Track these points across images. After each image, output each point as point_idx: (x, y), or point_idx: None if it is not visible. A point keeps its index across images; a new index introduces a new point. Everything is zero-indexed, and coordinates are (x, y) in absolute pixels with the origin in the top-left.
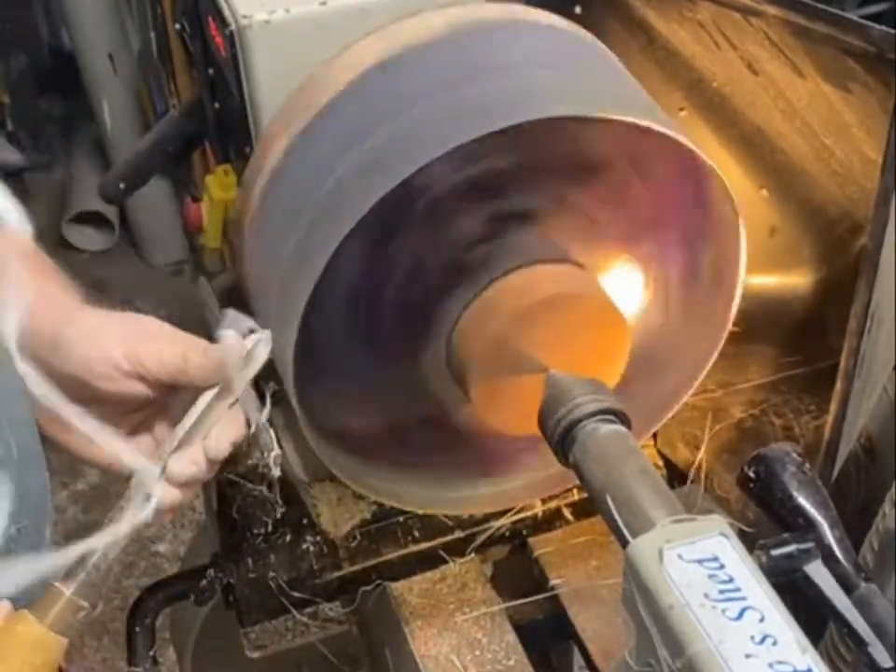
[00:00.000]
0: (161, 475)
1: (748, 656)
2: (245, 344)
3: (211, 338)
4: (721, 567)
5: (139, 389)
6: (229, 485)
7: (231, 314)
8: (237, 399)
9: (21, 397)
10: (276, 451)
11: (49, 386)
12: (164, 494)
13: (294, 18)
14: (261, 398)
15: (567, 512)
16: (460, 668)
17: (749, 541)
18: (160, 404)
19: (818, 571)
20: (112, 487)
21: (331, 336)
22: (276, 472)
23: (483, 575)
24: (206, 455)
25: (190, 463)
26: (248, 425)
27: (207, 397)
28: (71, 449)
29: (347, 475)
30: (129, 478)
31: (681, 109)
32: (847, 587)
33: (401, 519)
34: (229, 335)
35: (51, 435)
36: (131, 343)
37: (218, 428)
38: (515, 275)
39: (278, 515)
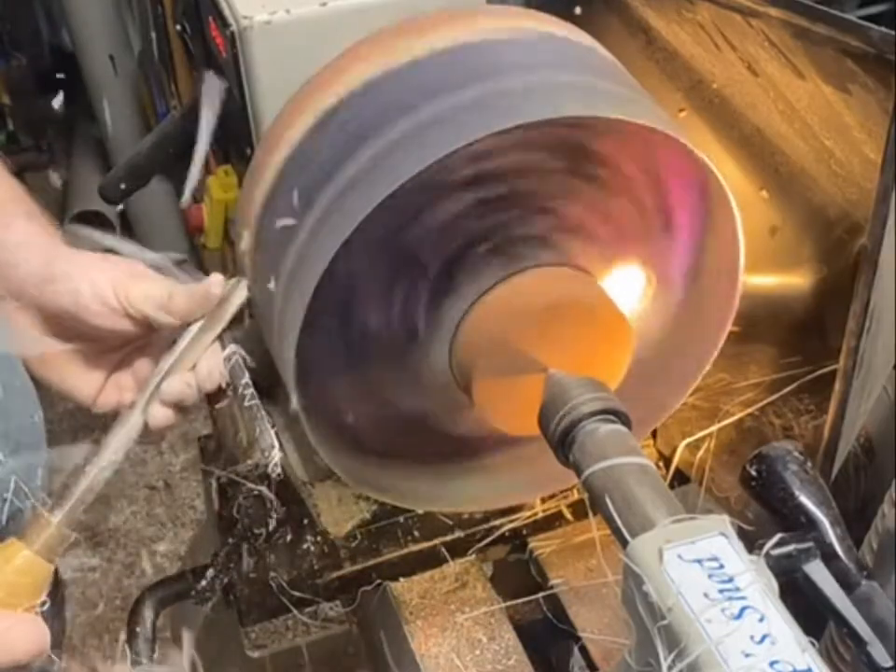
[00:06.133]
0: (154, 396)
1: (747, 655)
2: (225, 284)
3: None
4: (721, 566)
5: (125, 326)
6: (229, 485)
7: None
8: (219, 335)
9: (3, 333)
10: (277, 451)
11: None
12: (157, 413)
13: (295, 19)
14: (259, 393)
15: (567, 512)
16: (460, 668)
17: (749, 540)
18: (141, 343)
19: (817, 571)
20: (112, 487)
21: (333, 336)
22: (277, 472)
23: (483, 575)
24: (199, 383)
25: (184, 384)
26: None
27: (192, 330)
28: (53, 384)
29: (349, 475)
30: (112, 413)
31: (681, 110)
32: (849, 585)
33: (401, 519)
34: (211, 275)
35: (37, 373)
36: (120, 280)
37: (207, 361)
38: (518, 278)
39: (278, 515)
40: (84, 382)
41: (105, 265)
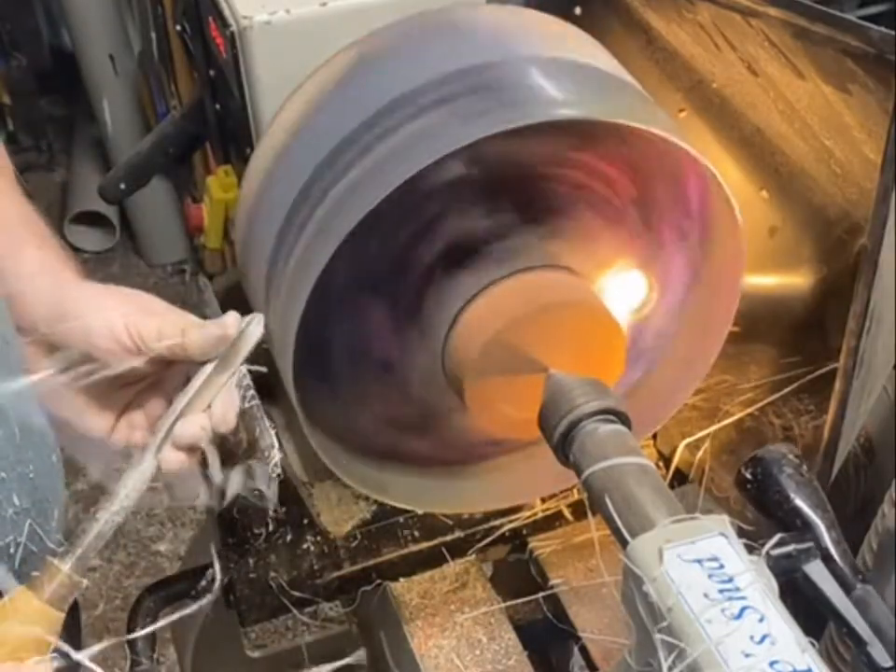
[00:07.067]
0: (166, 439)
1: (747, 655)
2: (240, 321)
3: None
4: (721, 566)
5: (137, 363)
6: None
7: None
8: (234, 374)
9: (22, 375)
10: (277, 451)
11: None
12: (169, 456)
13: (295, 19)
14: (261, 394)
15: (567, 512)
16: (460, 668)
17: (749, 540)
18: (154, 380)
19: (817, 571)
20: (113, 487)
21: (331, 336)
22: (277, 472)
23: (483, 575)
24: (214, 425)
25: (198, 427)
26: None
27: (206, 370)
28: (64, 421)
29: (348, 475)
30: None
31: (681, 110)
32: (845, 588)
33: (401, 519)
34: (227, 314)
35: (51, 412)
36: (132, 317)
37: (221, 402)
38: (510, 281)
39: (278, 515)
40: (95, 419)
41: (117, 302)
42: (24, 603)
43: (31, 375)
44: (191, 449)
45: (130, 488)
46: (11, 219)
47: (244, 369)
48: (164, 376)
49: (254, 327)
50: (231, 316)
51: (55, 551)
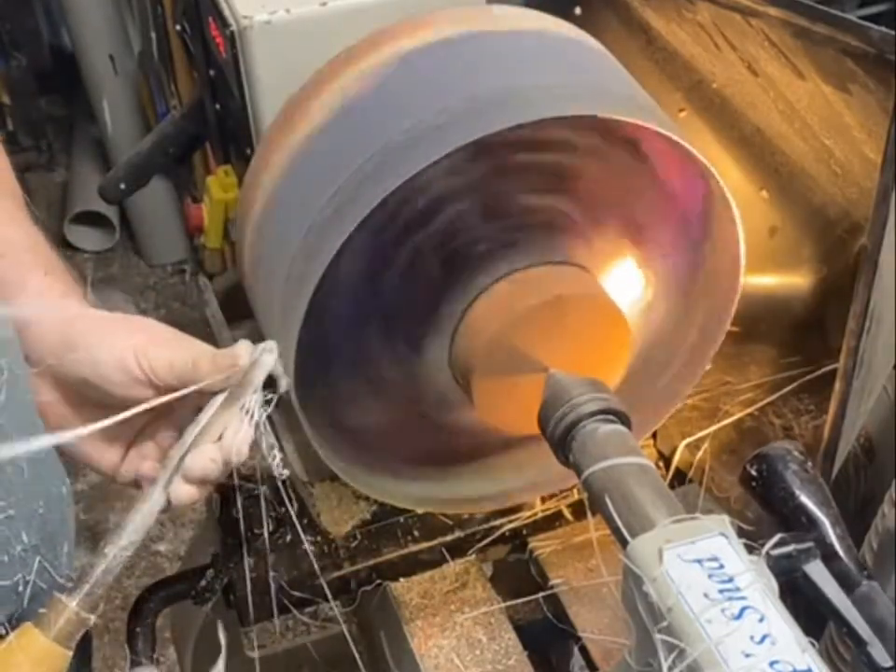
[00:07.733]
0: (176, 472)
1: (747, 655)
2: (252, 351)
3: (212, 338)
4: (721, 566)
5: (147, 394)
6: (229, 486)
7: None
8: (246, 404)
9: (32, 409)
10: (277, 451)
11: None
12: (179, 490)
13: (295, 18)
14: (265, 401)
15: (567, 512)
16: (460, 668)
17: (749, 540)
18: (163, 410)
19: (817, 571)
20: (112, 487)
21: (333, 336)
22: (281, 473)
23: (483, 575)
24: (225, 456)
25: (209, 460)
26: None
27: (217, 401)
28: (73, 453)
29: (348, 475)
30: (134, 484)
31: (681, 110)
32: (850, 585)
33: (401, 519)
34: (239, 343)
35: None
36: (142, 348)
37: (233, 431)
38: (518, 276)
39: (279, 515)
40: (105, 450)
41: (126, 331)
42: (30, 641)
43: (40, 407)
44: (202, 482)
45: (138, 523)
46: (18, 245)
47: (256, 398)
48: (174, 406)
49: (266, 356)
50: (243, 346)
51: (64, 586)
